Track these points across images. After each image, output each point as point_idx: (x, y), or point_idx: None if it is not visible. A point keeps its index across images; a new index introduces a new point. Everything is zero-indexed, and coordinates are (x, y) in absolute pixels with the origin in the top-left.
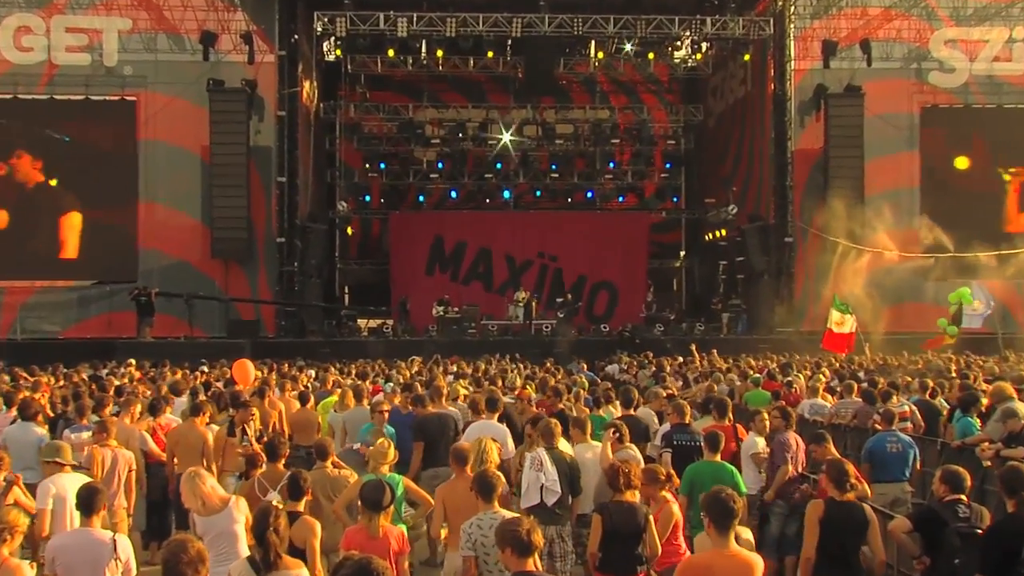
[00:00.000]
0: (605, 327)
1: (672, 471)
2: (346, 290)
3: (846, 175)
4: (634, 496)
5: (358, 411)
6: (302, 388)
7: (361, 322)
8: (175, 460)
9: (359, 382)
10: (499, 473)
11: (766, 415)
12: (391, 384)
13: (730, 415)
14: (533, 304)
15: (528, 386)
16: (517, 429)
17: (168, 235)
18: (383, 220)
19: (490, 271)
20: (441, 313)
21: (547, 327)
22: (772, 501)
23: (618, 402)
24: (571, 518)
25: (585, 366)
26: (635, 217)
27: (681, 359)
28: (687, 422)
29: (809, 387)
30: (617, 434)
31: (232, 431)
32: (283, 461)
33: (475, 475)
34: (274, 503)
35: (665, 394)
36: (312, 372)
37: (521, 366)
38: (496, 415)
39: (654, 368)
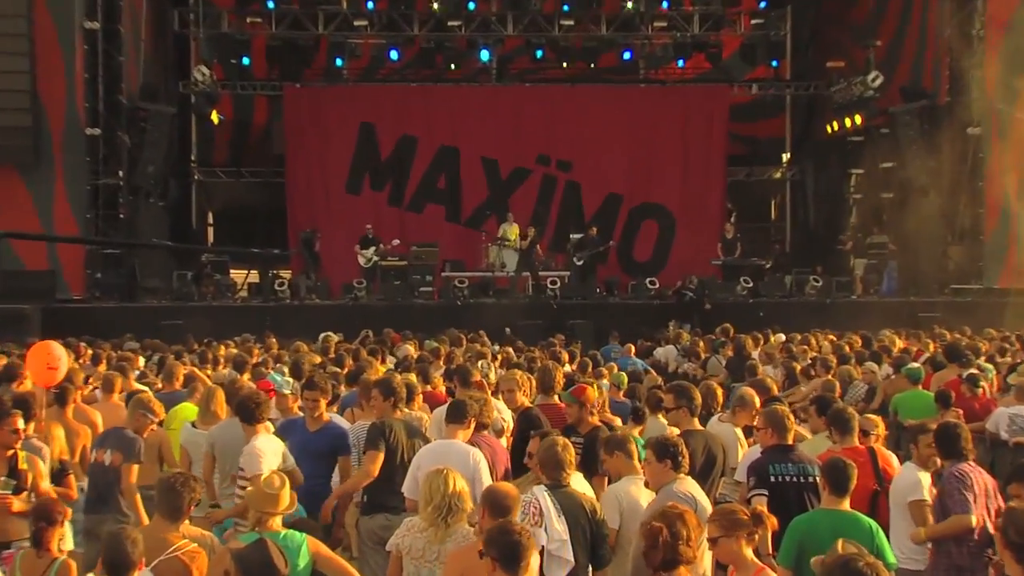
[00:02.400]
0: (653, 282)
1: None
2: (210, 219)
3: None
4: (690, 572)
5: (234, 425)
6: (133, 387)
7: (236, 274)
8: None
9: (235, 375)
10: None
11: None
12: (289, 380)
13: (871, 431)
14: (533, 244)
15: (590, 382)
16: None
17: None
18: (272, 99)
19: (457, 187)
20: (373, 259)
21: (555, 282)
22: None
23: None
24: None
25: (626, 348)
26: (705, 94)
27: (782, 336)
28: (790, 443)
29: (1014, 387)
30: (668, 461)
31: None
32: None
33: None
34: None
35: (759, 399)
36: (149, 359)
37: (509, 349)
38: (464, 431)
39: (732, 352)
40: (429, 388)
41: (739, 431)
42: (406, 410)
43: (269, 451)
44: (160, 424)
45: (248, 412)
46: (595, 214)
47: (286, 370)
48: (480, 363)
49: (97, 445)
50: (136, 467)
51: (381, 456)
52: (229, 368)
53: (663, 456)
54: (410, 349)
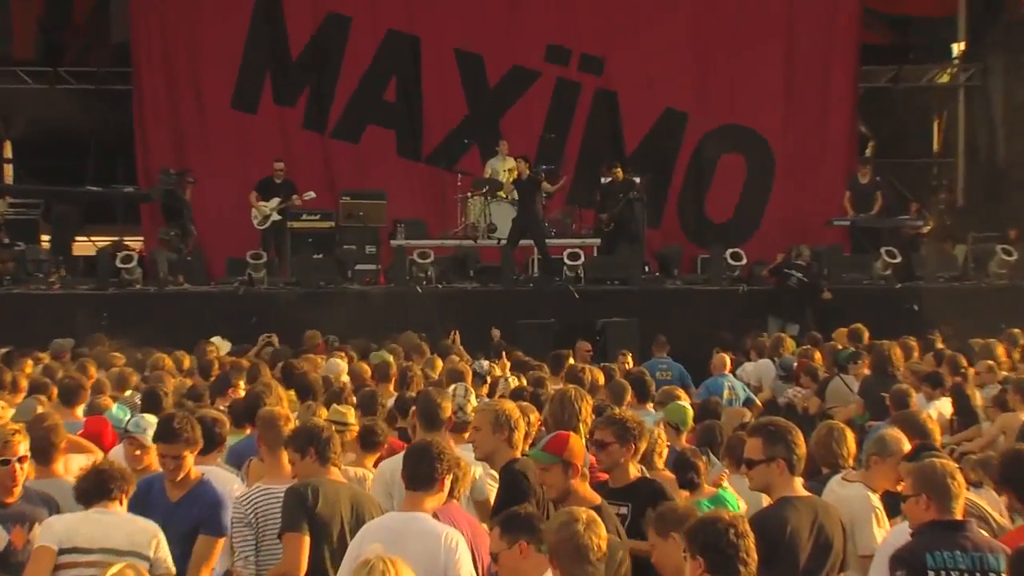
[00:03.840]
0: (738, 256)
1: None
2: (7, 150)
3: None
4: None
5: (52, 484)
6: None
7: (45, 240)
8: None
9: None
10: None
11: None
12: (149, 419)
13: None
14: (535, 187)
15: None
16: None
17: None
18: None
19: (416, 101)
20: (271, 216)
21: (576, 256)
22: None
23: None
24: None
25: (717, 361)
26: None
27: (939, 346)
28: (959, 518)
29: None
30: (701, 560)
31: None
32: None
33: None
34: None
35: (908, 447)
36: None
37: (499, 365)
38: (433, 497)
39: (868, 370)
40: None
41: (876, 498)
42: (342, 465)
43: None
44: None
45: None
46: (643, 142)
47: (138, 400)
48: (454, 389)
49: None
50: None
51: (306, 541)
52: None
53: (695, 549)
54: (339, 364)
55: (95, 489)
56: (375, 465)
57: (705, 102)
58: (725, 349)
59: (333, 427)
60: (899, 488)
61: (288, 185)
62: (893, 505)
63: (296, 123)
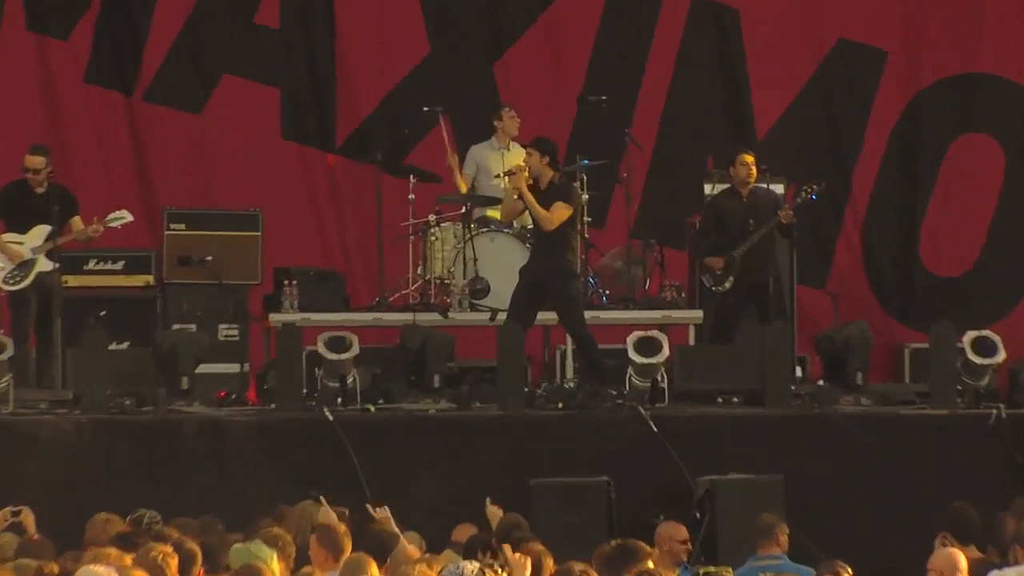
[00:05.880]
0: (986, 347)
1: None
2: None
3: None
4: None
5: None
6: None
7: None
8: None
9: None
10: None
11: None
12: None
13: None
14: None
15: None
16: None
17: None
18: None
19: (320, 25)
20: (34, 265)
21: (652, 347)
22: None
23: None
24: None
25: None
26: None
27: None
28: None
29: None
30: None
31: None
32: None
33: None
34: None
35: None
36: None
37: (497, 568)
38: None
39: None
40: None
41: None
42: None
43: None
44: None
45: None
46: (791, 110)
47: None
48: None
49: None
50: None
51: None
52: None
53: None
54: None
55: None
56: None
57: (919, 33)
58: (962, 537)
59: None
60: None
61: (61, 200)
62: None
63: (73, 73)
